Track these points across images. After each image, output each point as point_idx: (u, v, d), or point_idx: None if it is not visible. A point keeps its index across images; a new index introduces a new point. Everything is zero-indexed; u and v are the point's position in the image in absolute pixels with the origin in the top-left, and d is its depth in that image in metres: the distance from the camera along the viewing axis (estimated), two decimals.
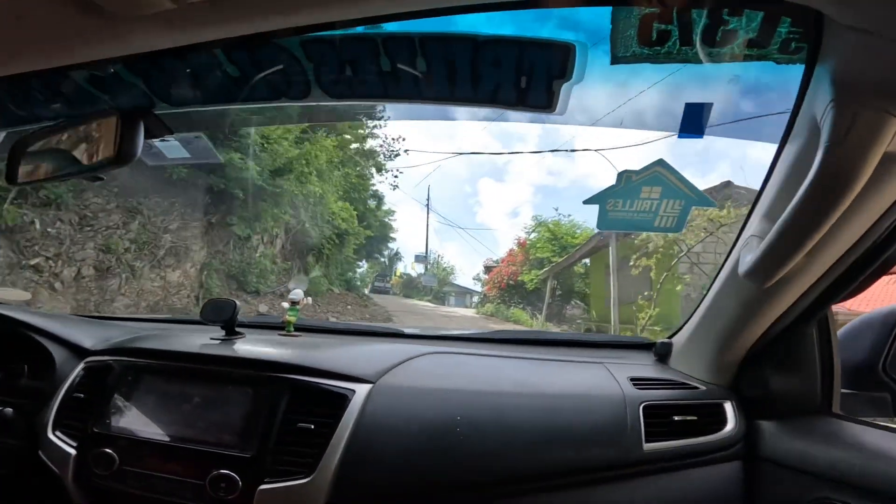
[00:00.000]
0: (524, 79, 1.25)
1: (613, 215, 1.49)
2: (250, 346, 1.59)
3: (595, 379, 1.58)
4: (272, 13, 0.85)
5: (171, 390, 1.49)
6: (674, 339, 1.75)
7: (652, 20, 1.12)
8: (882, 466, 1.12)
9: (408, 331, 2.14)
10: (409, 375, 1.51)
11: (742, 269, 1.17)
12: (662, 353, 1.77)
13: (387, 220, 27.90)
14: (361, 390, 1.40)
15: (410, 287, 30.35)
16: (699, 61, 1.17)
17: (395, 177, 19.89)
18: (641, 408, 1.44)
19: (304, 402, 1.39)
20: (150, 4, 0.80)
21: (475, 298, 26.71)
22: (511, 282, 19.70)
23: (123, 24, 0.86)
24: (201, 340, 1.63)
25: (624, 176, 1.45)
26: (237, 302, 1.65)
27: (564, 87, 1.26)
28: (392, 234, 29.40)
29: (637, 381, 1.55)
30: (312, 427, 1.34)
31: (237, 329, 1.68)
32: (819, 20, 0.85)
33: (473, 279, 28.11)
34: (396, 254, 32.15)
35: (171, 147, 1.59)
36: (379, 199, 22.88)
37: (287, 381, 1.42)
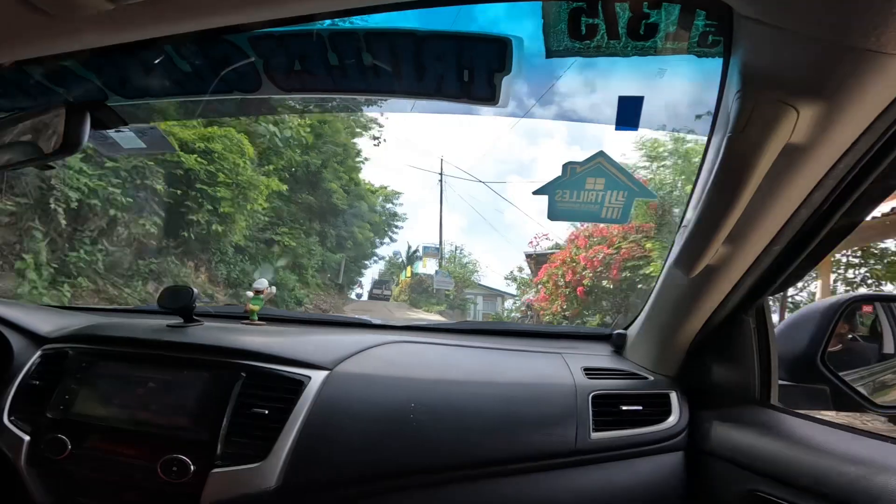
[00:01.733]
0: (466, 72, 1.29)
1: (562, 206, 1.54)
2: (206, 333, 1.60)
3: (549, 368, 1.62)
4: (213, 12, 0.88)
5: (125, 376, 1.50)
6: (628, 330, 1.79)
7: (580, 14, 1.18)
8: (809, 460, 1.11)
9: (375, 321, 2.15)
10: (367, 363, 1.53)
11: (670, 259, 1.23)
12: (618, 344, 1.81)
13: (390, 206, 24.08)
14: (317, 377, 1.42)
15: (421, 292, 23.86)
16: (627, 55, 1.23)
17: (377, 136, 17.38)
18: (591, 397, 1.48)
19: (258, 387, 1.41)
20: (87, 6, 0.82)
21: (508, 303, 20.30)
22: (600, 279, 10.38)
23: (67, 23, 0.88)
24: (158, 326, 1.64)
25: (569, 167, 1.50)
26: (194, 289, 1.65)
27: (505, 79, 1.31)
28: (398, 223, 24.85)
29: (590, 371, 1.59)
30: (267, 412, 1.36)
31: (195, 317, 1.69)
32: (729, 12, 0.87)
33: (506, 278, 19.09)
34: (415, 251, 26.21)
35: (126, 137, 1.59)
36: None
37: (241, 366, 1.43)
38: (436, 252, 23.56)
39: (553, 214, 1.60)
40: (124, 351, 1.56)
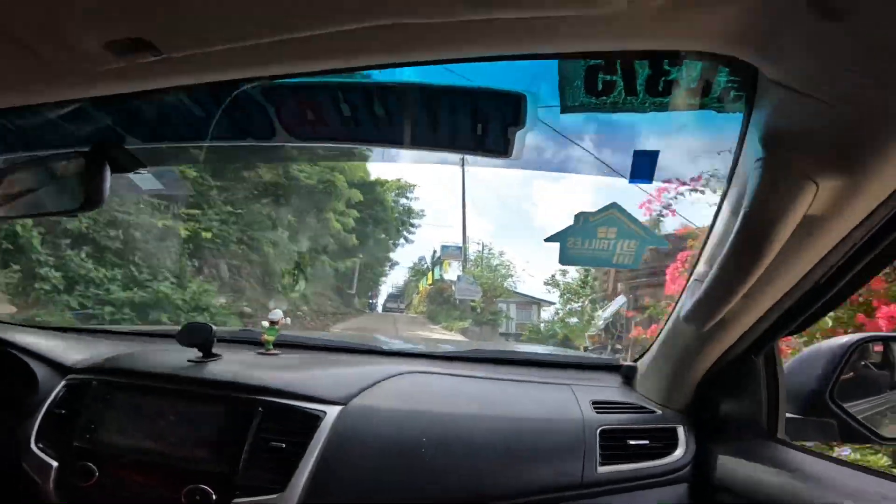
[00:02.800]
0: (480, 126, 1.27)
1: (573, 252, 1.53)
2: (224, 368, 1.62)
3: (559, 402, 1.61)
4: (224, 68, 0.88)
5: (148, 408, 1.53)
6: (639, 363, 1.78)
7: (597, 71, 1.16)
8: (811, 495, 1.13)
9: (385, 347, 2.17)
10: (379, 397, 1.54)
11: (682, 313, 1.21)
12: (628, 376, 1.80)
13: (404, 200, 21.38)
14: (332, 412, 1.44)
15: (442, 302, 19.93)
16: (644, 110, 1.20)
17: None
18: (599, 432, 1.48)
19: (275, 421, 1.43)
20: (94, 62, 0.81)
21: (548, 313, 17.54)
22: None
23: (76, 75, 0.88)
24: (179, 360, 1.65)
25: (581, 217, 1.49)
26: (213, 326, 1.67)
27: (519, 133, 1.29)
28: (414, 222, 21.81)
29: (598, 405, 1.58)
30: (284, 446, 1.37)
31: (214, 351, 1.70)
32: (754, 73, 0.84)
33: (547, 283, 16.83)
34: (438, 259, 20.66)
35: (145, 179, 1.60)
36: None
37: (258, 402, 1.46)
38: (457, 253, 18.79)
39: (565, 259, 1.61)
40: (147, 384, 1.58)
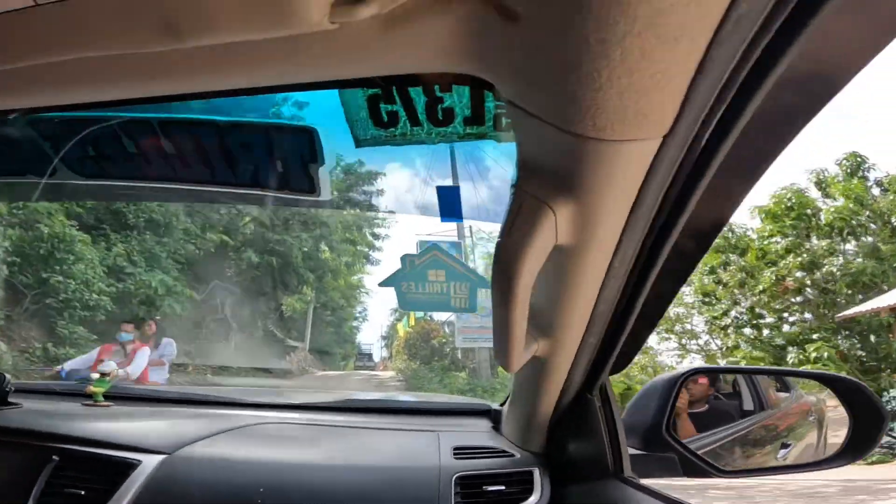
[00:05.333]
0: (279, 162, 1.25)
1: (410, 297, 1.50)
2: (18, 416, 1.51)
3: (418, 449, 1.57)
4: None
5: None
6: (504, 406, 1.73)
7: (378, 101, 1.18)
8: None
9: (247, 399, 1.98)
10: (219, 446, 1.46)
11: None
12: (496, 420, 1.75)
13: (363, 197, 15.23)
14: (150, 460, 1.34)
15: (429, 356, 13.41)
16: (433, 142, 1.21)
17: None
18: (455, 479, 1.42)
19: (75, 470, 1.32)
20: None
21: None
22: None
23: None
24: None
25: (407, 260, 1.45)
26: (6, 375, 1.55)
27: (321, 170, 1.27)
28: (380, 230, 14.98)
29: (459, 451, 1.53)
30: (83, 493, 1.28)
31: (11, 400, 1.57)
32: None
33: None
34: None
35: None
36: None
37: (54, 449, 1.35)
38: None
39: (404, 305, 1.54)
40: None
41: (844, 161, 16.90)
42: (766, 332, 17.79)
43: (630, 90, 0.51)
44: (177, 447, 1.40)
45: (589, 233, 0.77)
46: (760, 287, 16.78)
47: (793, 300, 16.90)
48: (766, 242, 17.59)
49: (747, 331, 17.87)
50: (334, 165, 1.23)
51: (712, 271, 18.22)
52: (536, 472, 1.47)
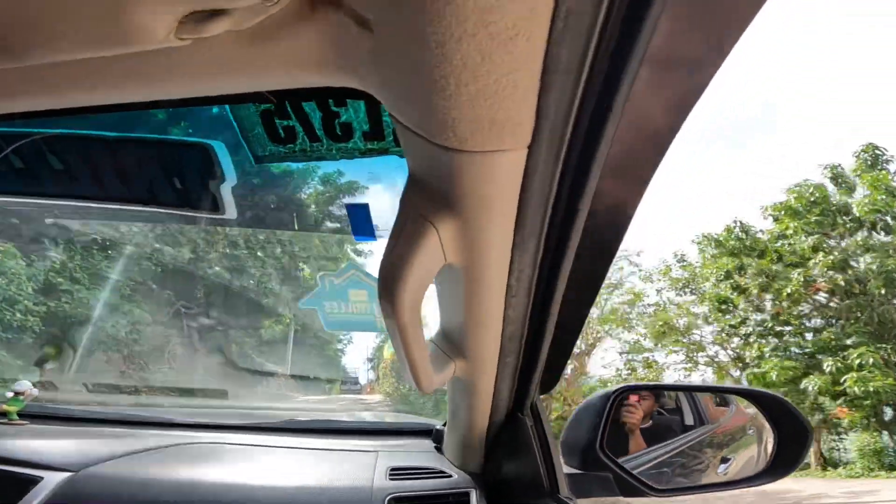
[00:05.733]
0: (177, 179, 1.19)
1: (335, 317, 1.45)
2: None
3: (352, 470, 1.51)
4: None
5: None
6: (446, 426, 1.68)
7: (272, 117, 1.11)
8: None
9: (180, 419, 1.91)
10: (134, 466, 1.40)
11: None
12: (438, 440, 1.70)
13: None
14: (53, 478, 1.29)
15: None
16: (335, 157, 1.15)
17: None
18: (387, 500, 1.38)
19: None
20: None
21: None
22: None
23: None
24: None
25: (326, 279, 1.40)
26: None
27: (223, 187, 1.22)
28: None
29: (396, 472, 1.50)
30: None
31: None
32: None
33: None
34: None
35: None
36: None
37: None
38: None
39: (329, 325, 1.50)
40: None
41: (862, 152, 16.17)
42: (790, 339, 16.81)
43: (480, 97, 0.50)
44: (84, 465, 1.35)
45: (477, 251, 0.74)
46: (788, 290, 15.66)
47: (825, 302, 15.97)
48: (779, 244, 16.79)
49: (769, 340, 16.93)
50: (238, 182, 1.16)
51: (728, 276, 17.27)
52: (474, 494, 1.44)
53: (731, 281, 17.09)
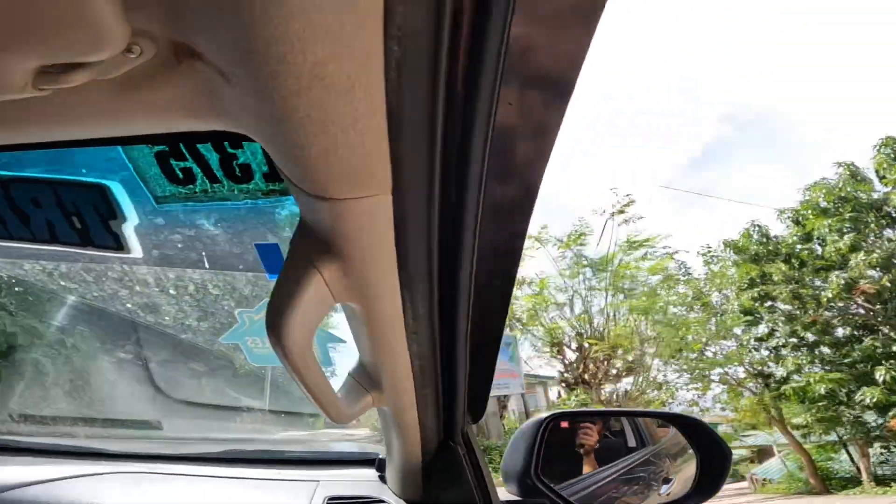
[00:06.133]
0: (75, 219, 1.14)
1: (258, 351, 1.41)
2: None
3: (287, 500, 1.54)
4: None
5: None
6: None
7: (168, 158, 1.05)
8: None
9: (113, 449, 1.86)
10: (51, 492, 1.37)
11: None
12: (382, 469, 1.70)
13: None
14: None
15: None
16: (238, 199, 1.08)
17: None
18: None
19: None
20: None
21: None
22: None
23: None
24: None
25: (245, 316, 1.35)
26: None
27: (125, 227, 1.17)
28: None
29: (334, 500, 1.51)
30: None
31: None
32: None
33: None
34: None
35: None
36: None
37: None
38: None
39: (254, 359, 1.48)
40: None
41: (883, 147, 15.57)
42: (825, 348, 15.59)
43: (331, 149, 0.51)
44: None
45: (365, 292, 0.76)
46: (829, 294, 14.53)
47: (870, 306, 14.72)
48: (797, 249, 16.03)
49: (803, 351, 15.72)
50: (141, 222, 1.13)
51: (752, 284, 16.00)
52: None
53: (757, 290, 15.98)
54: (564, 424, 1.89)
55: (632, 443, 2.21)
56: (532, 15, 0.57)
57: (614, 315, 16.99)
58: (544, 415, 1.65)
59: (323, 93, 0.45)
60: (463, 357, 1.04)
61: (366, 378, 1.03)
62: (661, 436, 2.25)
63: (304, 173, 0.56)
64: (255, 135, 0.60)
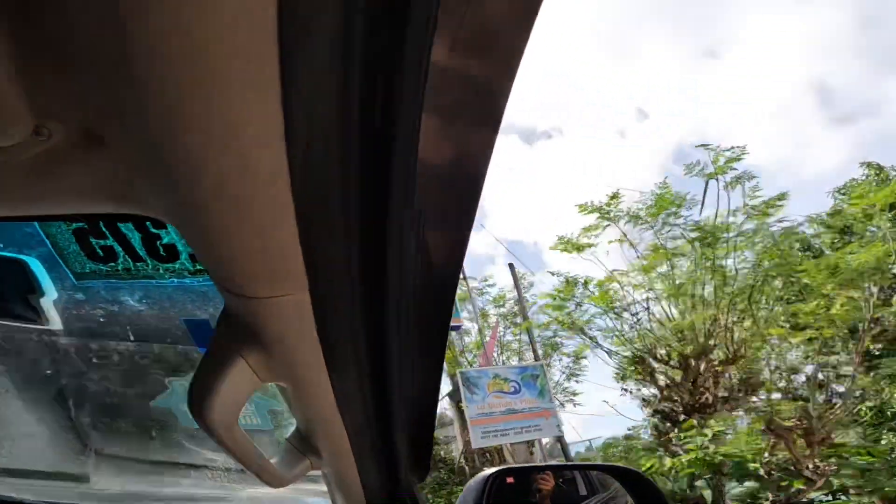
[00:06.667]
0: None
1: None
2: None
3: None
4: None
5: None
6: None
7: (87, 236, 1.02)
8: None
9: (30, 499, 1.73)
10: None
11: None
12: None
13: None
14: None
15: None
16: (163, 277, 1.06)
17: None
18: None
19: None
20: None
21: None
22: None
23: None
24: None
25: (176, 382, 1.33)
26: None
27: (44, 301, 1.12)
28: None
29: None
30: None
31: None
32: None
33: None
34: None
35: None
36: None
37: None
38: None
39: (190, 422, 1.42)
40: None
41: None
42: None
43: (248, 250, 0.51)
44: None
45: (290, 377, 0.77)
46: None
47: None
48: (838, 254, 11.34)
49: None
50: (62, 297, 1.10)
51: (795, 299, 8.40)
52: None
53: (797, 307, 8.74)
54: (510, 480, 1.94)
55: (583, 491, 2.30)
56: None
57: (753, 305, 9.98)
58: (490, 471, 1.70)
59: (229, 210, 0.45)
60: (400, 422, 1.04)
61: (302, 443, 1.02)
62: (610, 483, 2.29)
63: (223, 272, 0.56)
64: (175, 226, 0.59)
